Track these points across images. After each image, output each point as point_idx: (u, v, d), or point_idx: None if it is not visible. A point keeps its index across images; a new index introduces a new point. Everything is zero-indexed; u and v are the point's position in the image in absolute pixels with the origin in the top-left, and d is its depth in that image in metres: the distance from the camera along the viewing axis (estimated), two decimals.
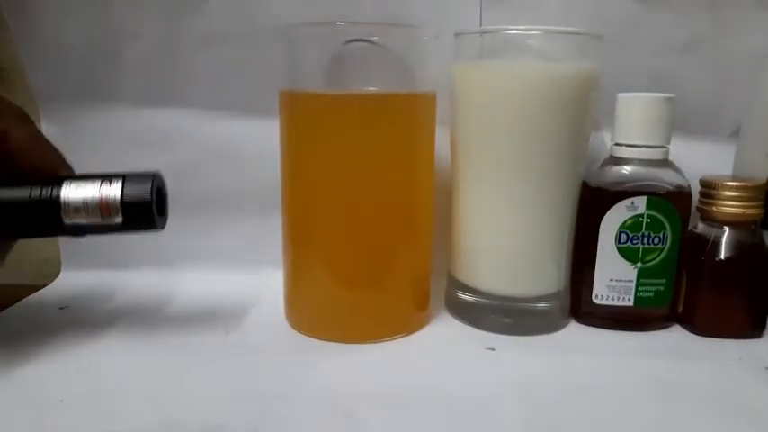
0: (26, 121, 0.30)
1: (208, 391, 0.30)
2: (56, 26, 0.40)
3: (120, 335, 0.35)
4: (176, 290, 0.42)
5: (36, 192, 0.28)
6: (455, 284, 0.39)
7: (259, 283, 0.41)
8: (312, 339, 0.35)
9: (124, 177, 0.29)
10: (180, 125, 0.39)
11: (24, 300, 0.40)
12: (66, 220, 0.29)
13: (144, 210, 0.29)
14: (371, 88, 0.34)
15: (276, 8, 0.39)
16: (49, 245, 0.44)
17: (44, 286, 0.42)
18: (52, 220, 0.28)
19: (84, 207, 0.28)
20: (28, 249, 0.42)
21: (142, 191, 0.29)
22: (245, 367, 0.32)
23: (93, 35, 0.40)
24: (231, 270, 0.43)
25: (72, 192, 0.28)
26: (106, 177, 0.29)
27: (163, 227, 0.30)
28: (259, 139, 0.38)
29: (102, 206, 0.28)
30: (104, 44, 0.40)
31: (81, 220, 0.29)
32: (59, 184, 0.29)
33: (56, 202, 0.28)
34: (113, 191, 0.28)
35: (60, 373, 0.31)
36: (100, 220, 0.28)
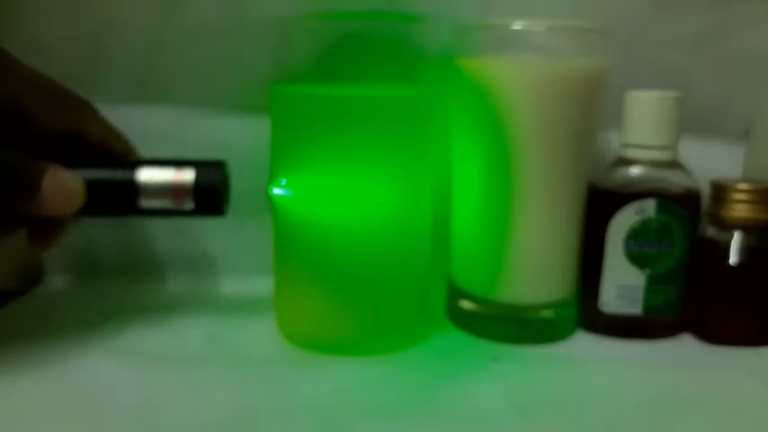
0: (96, 112, 0.31)
1: (194, 404, 0.28)
2: (33, 20, 0.38)
3: (106, 344, 0.34)
4: (163, 297, 0.40)
5: (118, 174, 0.29)
6: (456, 293, 0.37)
7: (249, 289, 0.40)
8: (305, 351, 0.34)
9: (195, 164, 0.30)
10: (165, 123, 0.38)
11: (6, 306, 0.39)
12: (143, 204, 0.30)
13: (214, 197, 0.30)
14: (369, 85, 0.32)
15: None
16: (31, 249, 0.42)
17: (26, 292, 0.41)
18: (130, 202, 0.30)
19: (160, 191, 0.29)
20: (9, 254, 0.41)
21: (213, 179, 0.30)
22: (233, 380, 0.31)
23: (72, 29, 0.38)
24: (220, 276, 0.42)
25: (148, 176, 0.29)
26: (178, 164, 0.30)
27: (226, 213, 0.31)
28: (248, 138, 0.37)
29: (176, 192, 0.29)
30: (84, 38, 0.39)
31: (155, 203, 0.30)
32: (135, 169, 0.30)
33: (134, 186, 0.29)
34: (186, 177, 0.29)
35: (43, 384, 0.30)
36: (172, 204, 0.30)
